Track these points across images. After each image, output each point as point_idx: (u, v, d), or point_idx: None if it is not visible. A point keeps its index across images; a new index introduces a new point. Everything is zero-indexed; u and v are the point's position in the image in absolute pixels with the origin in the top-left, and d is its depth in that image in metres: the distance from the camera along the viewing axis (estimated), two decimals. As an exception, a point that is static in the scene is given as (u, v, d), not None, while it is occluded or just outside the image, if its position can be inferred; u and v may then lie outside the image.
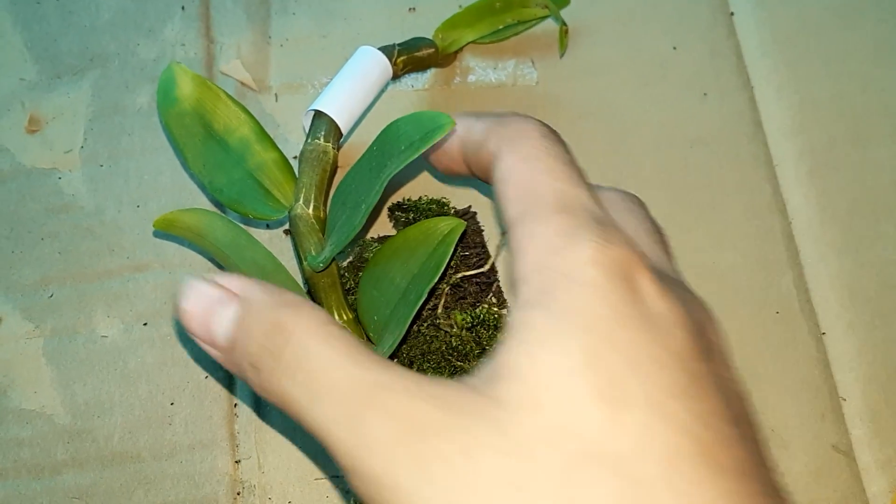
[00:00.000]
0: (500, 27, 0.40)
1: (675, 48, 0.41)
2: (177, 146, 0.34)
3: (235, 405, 0.35)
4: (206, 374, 0.36)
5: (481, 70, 0.41)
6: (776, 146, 0.40)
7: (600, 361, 0.19)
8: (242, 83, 0.40)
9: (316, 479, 0.34)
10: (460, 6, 0.41)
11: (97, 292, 0.37)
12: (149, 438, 0.35)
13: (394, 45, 0.37)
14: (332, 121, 0.34)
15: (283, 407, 0.22)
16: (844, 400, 0.36)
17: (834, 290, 0.37)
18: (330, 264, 0.32)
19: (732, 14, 0.42)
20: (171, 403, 0.35)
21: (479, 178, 0.28)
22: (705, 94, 0.40)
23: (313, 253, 0.32)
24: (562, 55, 0.41)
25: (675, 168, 0.39)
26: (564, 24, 0.39)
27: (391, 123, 0.28)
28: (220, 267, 0.37)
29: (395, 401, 0.20)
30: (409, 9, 0.41)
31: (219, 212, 0.33)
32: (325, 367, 0.21)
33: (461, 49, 0.40)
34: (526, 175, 0.24)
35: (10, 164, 0.39)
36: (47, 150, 0.40)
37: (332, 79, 0.36)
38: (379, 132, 0.29)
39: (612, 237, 0.22)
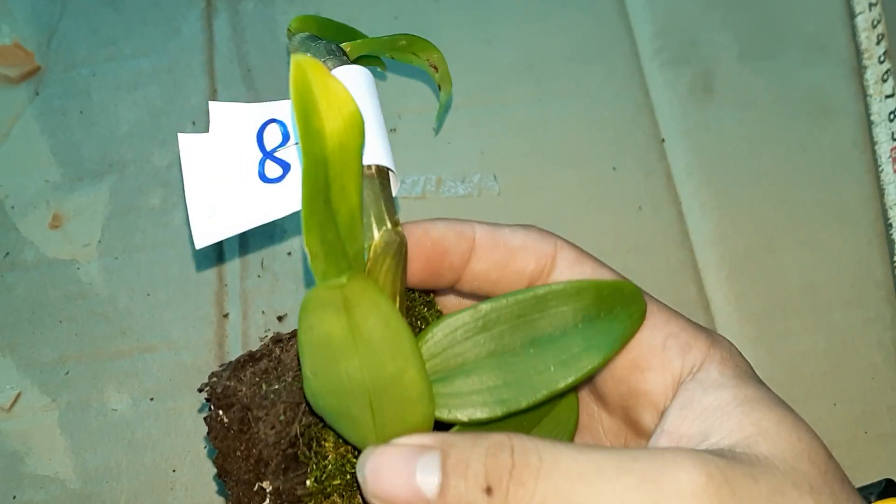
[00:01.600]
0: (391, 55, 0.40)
1: (614, 168, 0.48)
2: (304, 195, 0.24)
3: (230, 472, 0.40)
4: (206, 445, 0.40)
5: (451, 184, 0.47)
6: (701, 253, 0.46)
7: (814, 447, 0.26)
8: (243, 189, 0.46)
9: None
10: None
11: (109, 370, 0.42)
12: (152, 502, 0.39)
13: None
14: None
15: None
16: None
17: (751, 377, 0.44)
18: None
19: (663, 141, 0.49)
20: (174, 470, 0.40)
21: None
22: (640, 207, 0.47)
23: None
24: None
25: (615, 270, 0.46)
26: (445, 95, 0.41)
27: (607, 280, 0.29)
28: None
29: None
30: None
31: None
32: (569, 460, 0.23)
33: None
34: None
35: (34, 255, 0.45)
36: (68, 244, 0.45)
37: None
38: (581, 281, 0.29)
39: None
